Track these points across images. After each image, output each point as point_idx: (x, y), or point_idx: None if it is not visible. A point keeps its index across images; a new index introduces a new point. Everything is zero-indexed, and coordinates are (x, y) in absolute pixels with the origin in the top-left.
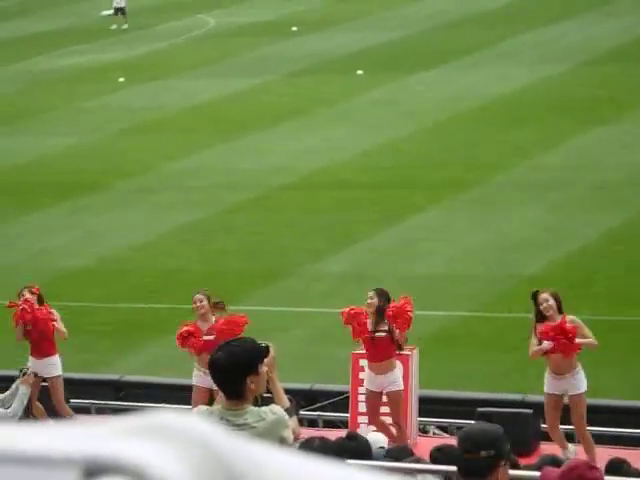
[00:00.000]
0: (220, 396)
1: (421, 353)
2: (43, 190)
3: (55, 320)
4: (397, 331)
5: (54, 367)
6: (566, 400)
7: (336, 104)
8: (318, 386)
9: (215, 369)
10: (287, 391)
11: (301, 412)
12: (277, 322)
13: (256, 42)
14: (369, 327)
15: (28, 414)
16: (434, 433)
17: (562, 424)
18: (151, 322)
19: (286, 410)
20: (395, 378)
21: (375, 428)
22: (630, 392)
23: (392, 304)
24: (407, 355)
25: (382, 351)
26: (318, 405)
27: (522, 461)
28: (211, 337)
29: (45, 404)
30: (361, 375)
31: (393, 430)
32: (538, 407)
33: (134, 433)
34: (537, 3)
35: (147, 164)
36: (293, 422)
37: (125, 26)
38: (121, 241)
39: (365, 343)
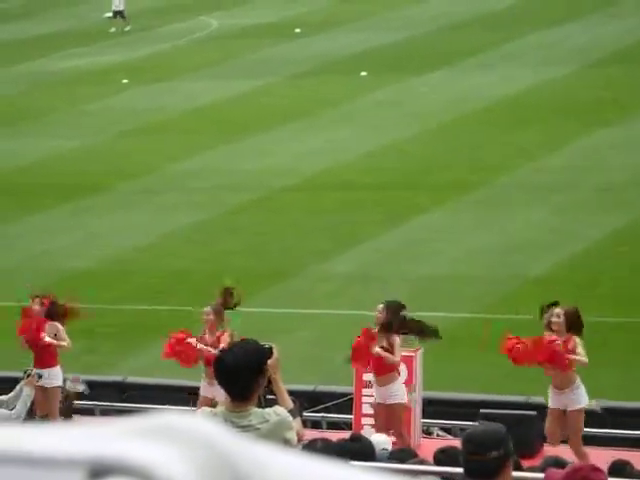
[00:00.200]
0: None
1: (425, 355)
2: (46, 191)
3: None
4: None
5: (54, 378)
6: None
7: (340, 105)
8: (322, 388)
9: (221, 370)
10: (291, 392)
11: (305, 414)
12: (281, 323)
13: (259, 44)
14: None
15: (32, 415)
16: (438, 435)
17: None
18: (155, 323)
19: (290, 411)
20: (395, 391)
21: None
22: (632, 392)
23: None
24: (411, 357)
25: (381, 365)
26: (322, 406)
27: (525, 463)
28: (215, 350)
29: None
30: (365, 377)
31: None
32: (541, 409)
33: (139, 434)
34: (541, 5)
35: (150, 165)
36: (297, 423)
37: (127, 28)
38: (124, 242)
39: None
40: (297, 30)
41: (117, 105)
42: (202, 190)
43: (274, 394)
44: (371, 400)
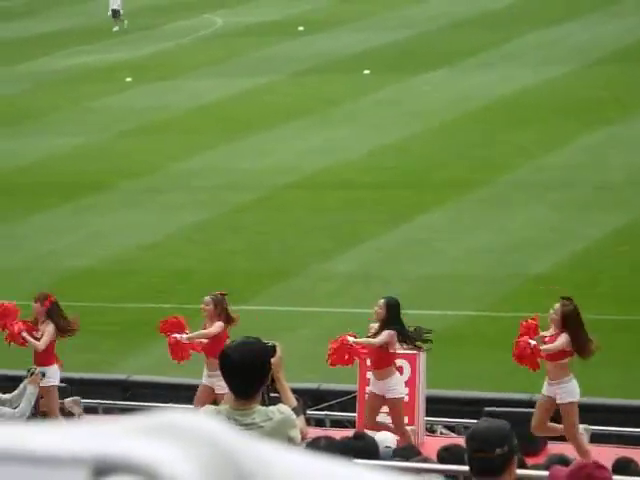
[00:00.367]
0: (227, 396)
1: (428, 353)
2: (49, 191)
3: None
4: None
5: (51, 377)
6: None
7: (342, 104)
8: (325, 386)
9: (227, 366)
10: (294, 391)
11: (308, 412)
12: (284, 322)
13: (262, 42)
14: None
15: (36, 414)
16: (441, 433)
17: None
18: (157, 322)
19: (293, 409)
20: (392, 385)
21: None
22: (633, 391)
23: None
24: (414, 355)
25: (377, 359)
26: (325, 405)
27: (530, 461)
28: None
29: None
30: (368, 375)
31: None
32: None
33: (143, 432)
34: (541, 4)
35: (153, 164)
36: (300, 421)
37: (116, 28)
38: (127, 241)
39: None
40: (300, 28)
41: (121, 103)
42: (205, 189)
43: (277, 392)
44: None
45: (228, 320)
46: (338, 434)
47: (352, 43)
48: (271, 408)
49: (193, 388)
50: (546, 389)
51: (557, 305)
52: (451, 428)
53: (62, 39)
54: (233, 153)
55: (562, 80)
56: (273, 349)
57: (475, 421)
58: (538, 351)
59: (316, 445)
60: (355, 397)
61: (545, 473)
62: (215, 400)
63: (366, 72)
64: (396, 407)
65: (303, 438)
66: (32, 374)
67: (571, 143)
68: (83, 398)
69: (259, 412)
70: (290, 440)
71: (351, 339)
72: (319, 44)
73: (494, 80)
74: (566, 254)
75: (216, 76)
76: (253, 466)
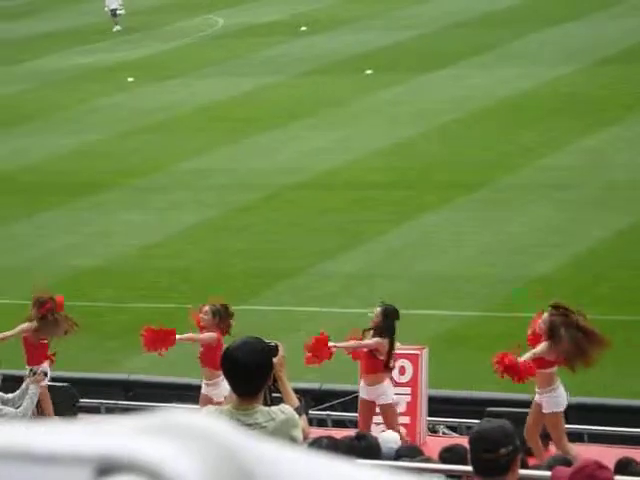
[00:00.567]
0: (229, 396)
1: (431, 353)
2: (53, 190)
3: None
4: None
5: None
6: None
7: (346, 104)
8: (327, 386)
9: (232, 367)
10: (296, 391)
11: (310, 412)
12: (287, 322)
13: (266, 42)
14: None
15: (38, 413)
16: (443, 433)
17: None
18: (160, 322)
19: (296, 409)
20: (382, 391)
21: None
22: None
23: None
24: (416, 354)
25: (367, 365)
26: (327, 405)
27: (532, 461)
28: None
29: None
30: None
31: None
32: None
33: (147, 431)
34: (545, 4)
35: (157, 164)
36: (302, 421)
37: (116, 28)
38: (131, 241)
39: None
40: (303, 28)
41: (124, 103)
42: (208, 188)
43: (280, 392)
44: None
45: (227, 331)
46: (340, 434)
47: (356, 43)
48: (273, 408)
49: (195, 388)
50: (536, 396)
51: (545, 314)
52: (453, 428)
53: (64, 39)
54: (237, 153)
55: (564, 80)
56: (275, 349)
57: (477, 421)
58: (526, 367)
59: (318, 445)
60: (357, 397)
61: (548, 473)
62: None
63: (368, 72)
64: (388, 412)
65: (305, 438)
66: (34, 374)
67: (574, 143)
68: (85, 398)
69: (261, 412)
70: (293, 440)
71: (334, 344)
72: (323, 44)
73: (496, 80)
74: (570, 255)
75: (219, 76)
76: (256, 465)
